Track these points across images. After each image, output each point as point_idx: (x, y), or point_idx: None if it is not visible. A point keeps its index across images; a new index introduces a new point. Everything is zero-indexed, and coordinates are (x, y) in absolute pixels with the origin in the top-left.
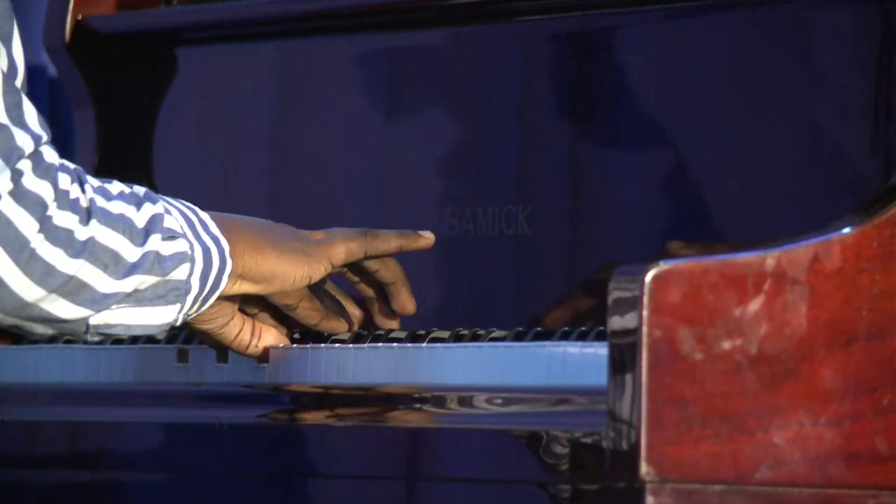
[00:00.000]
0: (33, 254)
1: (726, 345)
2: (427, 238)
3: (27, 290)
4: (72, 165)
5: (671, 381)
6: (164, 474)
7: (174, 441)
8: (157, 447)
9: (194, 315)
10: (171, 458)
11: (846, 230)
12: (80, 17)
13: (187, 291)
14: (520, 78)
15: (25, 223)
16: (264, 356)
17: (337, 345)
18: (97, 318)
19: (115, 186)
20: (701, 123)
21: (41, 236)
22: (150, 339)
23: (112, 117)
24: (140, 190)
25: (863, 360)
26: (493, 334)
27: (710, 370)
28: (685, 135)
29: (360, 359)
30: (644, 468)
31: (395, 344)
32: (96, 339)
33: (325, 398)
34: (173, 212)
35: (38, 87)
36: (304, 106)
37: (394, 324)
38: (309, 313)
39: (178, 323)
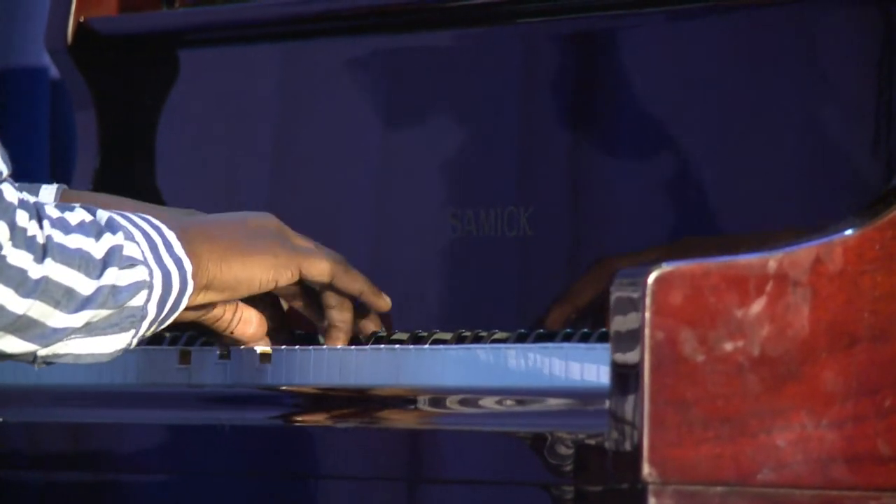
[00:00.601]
0: None
1: (728, 346)
2: (386, 302)
3: None
4: (32, 199)
5: (673, 382)
6: (166, 476)
7: (175, 442)
8: (158, 449)
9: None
10: (173, 459)
11: (848, 232)
12: (82, 19)
13: (143, 317)
14: (521, 79)
15: None
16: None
17: (339, 346)
18: (45, 351)
19: (76, 215)
20: (702, 125)
21: None
22: (152, 341)
23: (114, 119)
24: (103, 217)
25: (865, 362)
26: (496, 336)
27: (712, 372)
28: (686, 136)
29: (363, 360)
30: (646, 469)
31: (396, 346)
32: (43, 366)
33: (327, 399)
34: (136, 235)
35: (40, 89)
36: (306, 108)
37: (373, 326)
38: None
39: (132, 347)
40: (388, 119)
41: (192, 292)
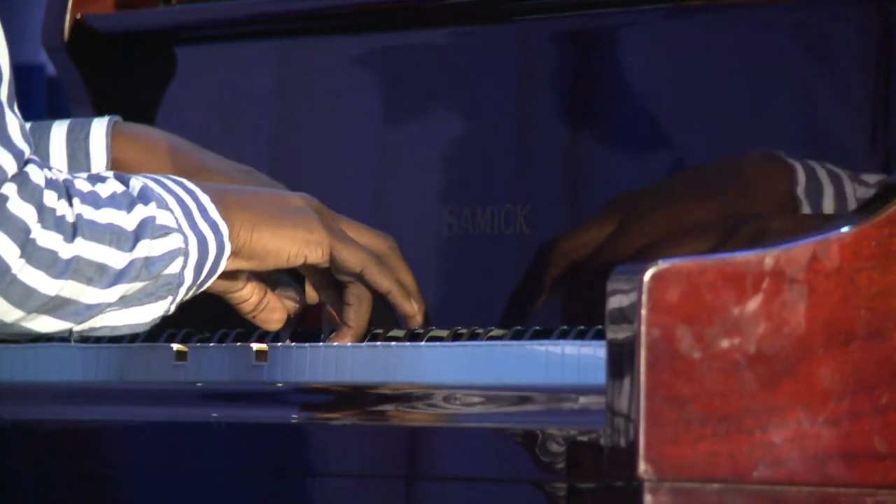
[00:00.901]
0: (14, 279)
1: (725, 344)
2: (412, 308)
3: (5, 312)
4: (61, 177)
5: (669, 380)
6: (162, 473)
7: (171, 440)
8: (154, 446)
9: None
10: (168, 456)
11: (845, 229)
12: (78, 16)
13: (180, 284)
14: (519, 77)
15: (6, 249)
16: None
17: (336, 343)
18: (81, 326)
19: (108, 187)
20: (700, 123)
21: (22, 261)
22: (148, 338)
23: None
24: (136, 185)
25: (861, 360)
26: (492, 333)
27: (709, 369)
28: (684, 134)
29: (359, 357)
30: (642, 467)
31: (392, 343)
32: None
33: (324, 397)
34: (170, 202)
35: (37, 86)
36: (303, 105)
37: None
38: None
39: (171, 312)
40: (386, 116)
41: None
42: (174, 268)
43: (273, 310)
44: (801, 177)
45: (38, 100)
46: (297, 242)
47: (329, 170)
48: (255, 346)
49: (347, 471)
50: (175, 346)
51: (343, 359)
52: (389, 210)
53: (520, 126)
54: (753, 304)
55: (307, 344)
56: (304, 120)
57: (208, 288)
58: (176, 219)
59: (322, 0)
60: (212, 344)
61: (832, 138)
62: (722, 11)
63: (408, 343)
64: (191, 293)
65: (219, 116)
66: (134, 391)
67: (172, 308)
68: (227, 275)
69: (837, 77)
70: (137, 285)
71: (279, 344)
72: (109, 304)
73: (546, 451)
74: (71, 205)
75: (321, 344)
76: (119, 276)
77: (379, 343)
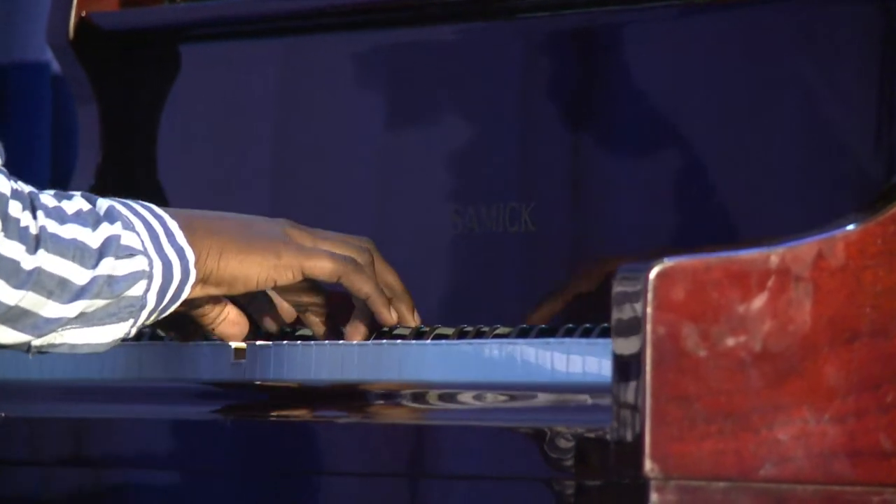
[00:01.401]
0: None
1: (730, 342)
2: (390, 317)
3: None
4: (26, 189)
5: (675, 378)
6: (164, 471)
7: (175, 438)
8: (157, 444)
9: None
10: (172, 455)
11: (850, 227)
12: (83, 14)
13: (143, 307)
14: (524, 75)
15: None
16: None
17: (341, 342)
18: (40, 341)
19: (74, 204)
20: (704, 121)
21: None
22: (153, 337)
23: (116, 114)
24: (102, 205)
25: (866, 357)
26: (498, 331)
27: (714, 367)
28: (688, 132)
29: (365, 355)
30: (648, 465)
31: (398, 341)
32: (37, 356)
33: (329, 395)
34: (136, 224)
35: (42, 84)
36: (308, 103)
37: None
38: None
39: (132, 336)
40: (391, 115)
41: (194, 283)
42: (137, 290)
43: (233, 323)
44: (806, 175)
45: (43, 98)
46: (265, 268)
47: (333, 168)
48: (260, 343)
49: (353, 469)
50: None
51: (349, 357)
52: (394, 209)
53: (524, 124)
54: (759, 301)
55: (312, 342)
56: (309, 118)
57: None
58: (142, 241)
59: None
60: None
61: (837, 136)
62: (725, 11)
63: (413, 341)
64: (153, 317)
65: (223, 114)
66: (136, 389)
67: (133, 331)
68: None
69: (841, 75)
70: (99, 303)
71: (283, 342)
72: (69, 320)
73: (552, 450)
74: (35, 217)
75: (326, 342)
76: (80, 293)
77: (385, 341)
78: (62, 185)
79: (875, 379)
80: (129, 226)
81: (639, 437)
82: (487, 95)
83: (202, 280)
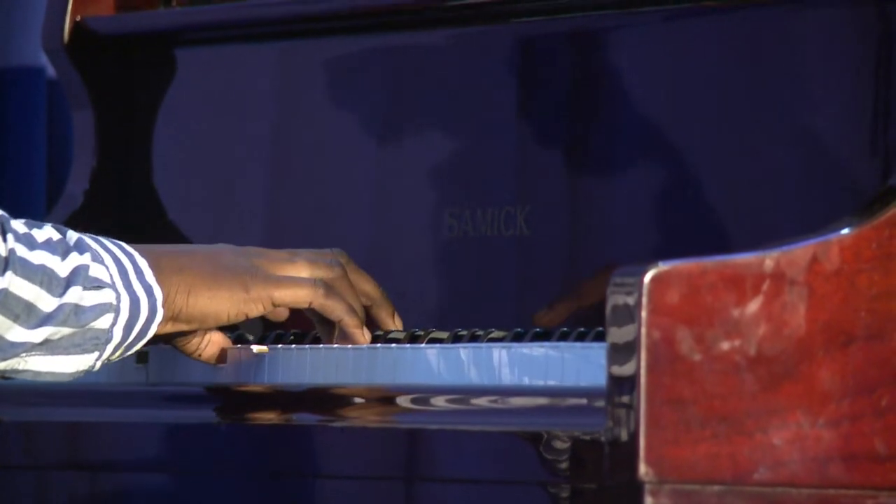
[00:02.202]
0: None
1: (725, 346)
2: (365, 338)
3: None
4: None
5: (670, 381)
6: (160, 474)
7: (172, 441)
8: (153, 448)
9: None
10: (168, 458)
11: (845, 231)
12: (78, 19)
13: (108, 341)
14: (519, 79)
15: None
16: (222, 358)
17: (336, 346)
18: (3, 365)
19: (44, 233)
20: (699, 125)
21: None
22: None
23: (111, 118)
24: (72, 237)
25: (861, 361)
26: (492, 335)
27: (709, 371)
28: (683, 136)
29: (360, 359)
30: (643, 469)
31: (393, 345)
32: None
33: (323, 398)
34: (105, 258)
35: (37, 88)
36: (303, 107)
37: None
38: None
39: (96, 369)
40: (386, 118)
41: (162, 321)
42: (103, 323)
43: (216, 343)
44: (801, 178)
45: (39, 102)
46: (235, 302)
47: (329, 172)
48: (256, 347)
49: (348, 473)
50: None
51: (343, 361)
52: (390, 212)
53: (519, 128)
54: (753, 305)
55: (307, 346)
56: (304, 122)
57: (150, 341)
58: (110, 275)
59: (322, 3)
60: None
61: (832, 140)
62: (719, 13)
63: (408, 345)
64: (118, 353)
65: (218, 118)
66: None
67: (98, 365)
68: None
69: (837, 79)
70: (65, 331)
71: (279, 346)
72: (34, 346)
73: (546, 453)
74: (5, 240)
75: (321, 346)
76: (46, 319)
77: (380, 345)
78: (58, 189)
79: (870, 383)
80: (98, 258)
81: (633, 441)
82: (483, 99)
83: (172, 318)
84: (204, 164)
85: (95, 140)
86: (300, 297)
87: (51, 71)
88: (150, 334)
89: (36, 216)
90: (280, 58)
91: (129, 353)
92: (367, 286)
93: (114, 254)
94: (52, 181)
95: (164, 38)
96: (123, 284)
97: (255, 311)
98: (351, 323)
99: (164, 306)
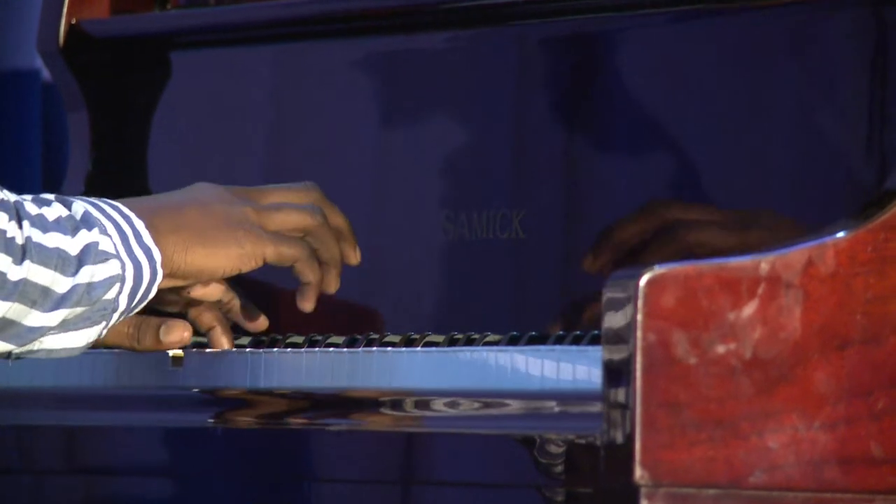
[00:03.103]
0: None
1: (721, 349)
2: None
3: None
4: (12, 199)
5: (665, 385)
6: (156, 478)
7: (166, 445)
8: (148, 451)
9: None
10: (163, 461)
11: (840, 234)
12: (73, 21)
13: (115, 310)
14: (515, 82)
15: None
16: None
17: (331, 349)
18: (21, 349)
19: (53, 211)
20: (695, 127)
21: None
22: None
23: (106, 121)
24: (78, 210)
25: (857, 364)
26: (488, 338)
27: (705, 374)
28: (679, 139)
29: (356, 362)
30: (638, 472)
31: (388, 348)
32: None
33: (318, 402)
34: (109, 228)
35: (32, 90)
36: (299, 110)
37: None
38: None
39: (102, 337)
40: (382, 122)
41: (161, 281)
42: (111, 294)
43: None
44: (797, 181)
45: (34, 105)
46: (230, 258)
47: (325, 175)
48: (249, 350)
49: (344, 476)
50: (170, 352)
51: (339, 364)
52: (385, 215)
53: (515, 131)
54: (749, 309)
55: (303, 350)
56: (300, 125)
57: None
58: (115, 245)
59: (317, 5)
60: (207, 348)
61: (828, 143)
62: (716, 17)
63: (404, 349)
64: (122, 318)
65: (214, 121)
66: (128, 397)
67: (104, 333)
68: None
69: (833, 81)
70: (78, 310)
71: (274, 349)
72: (50, 329)
73: (542, 457)
74: (21, 227)
75: (317, 350)
76: (61, 301)
77: (375, 349)
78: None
79: (866, 386)
80: (103, 230)
81: (629, 444)
82: (479, 103)
83: (170, 274)
84: (199, 166)
85: (90, 142)
86: (287, 257)
87: (46, 73)
88: (151, 296)
89: None
90: (275, 61)
91: (130, 314)
92: (339, 220)
93: (114, 220)
94: (48, 184)
95: (159, 40)
96: (126, 252)
97: (249, 266)
98: (313, 292)
99: (162, 266)
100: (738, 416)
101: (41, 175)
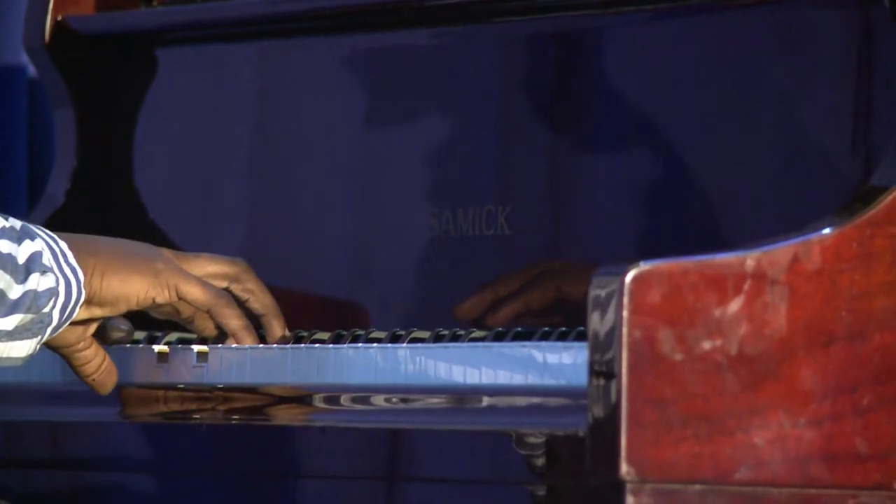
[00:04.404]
0: None
1: (706, 345)
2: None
3: None
4: None
5: (651, 381)
6: (142, 474)
7: (151, 441)
8: (134, 447)
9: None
10: (149, 458)
11: (826, 231)
12: (59, 18)
13: (49, 324)
14: (500, 79)
15: None
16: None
17: (317, 345)
18: None
19: None
20: (681, 124)
21: None
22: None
23: (92, 118)
24: (16, 223)
25: (842, 361)
26: (474, 334)
27: (690, 371)
28: (665, 135)
29: (340, 359)
30: (624, 468)
31: (374, 344)
32: None
33: (305, 398)
34: (43, 242)
35: (18, 87)
36: (286, 107)
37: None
38: (202, 325)
39: (36, 353)
40: (368, 118)
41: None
42: (48, 306)
43: (110, 373)
44: (783, 178)
45: (19, 102)
46: (144, 285)
47: (311, 171)
48: (236, 346)
49: (328, 472)
50: (156, 348)
51: (324, 360)
52: (371, 211)
53: (501, 127)
54: (735, 305)
55: (289, 346)
56: (286, 122)
57: (62, 348)
58: (50, 259)
59: (303, 2)
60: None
61: (813, 139)
62: (702, 13)
63: (389, 345)
64: (49, 336)
65: (201, 118)
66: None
67: (38, 348)
68: (78, 326)
69: (819, 78)
70: (28, 317)
71: (259, 345)
72: (7, 332)
73: (528, 453)
74: None
75: (302, 346)
76: (14, 306)
77: (360, 345)
78: (39, 189)
79: (851, 382)
80: (44, 242)
81: (615, 441)
82: (465, 99)
83: (87, 301)
84: (185, 163)
85: (77, 140)
86: (202, 299)
87: (32, 70)
88: (75, 315)
89: (17, 216)
90: (261, 57)
91: (55, 335)
92: (264, 297)
93: (44, 239)
94: (34, 181)
95: (145, 37)
96: (58, 268)
97: (163, 296)
98: (243, 335)
99: (84, 287)
100: (724, 412)
101: (27, 171)
